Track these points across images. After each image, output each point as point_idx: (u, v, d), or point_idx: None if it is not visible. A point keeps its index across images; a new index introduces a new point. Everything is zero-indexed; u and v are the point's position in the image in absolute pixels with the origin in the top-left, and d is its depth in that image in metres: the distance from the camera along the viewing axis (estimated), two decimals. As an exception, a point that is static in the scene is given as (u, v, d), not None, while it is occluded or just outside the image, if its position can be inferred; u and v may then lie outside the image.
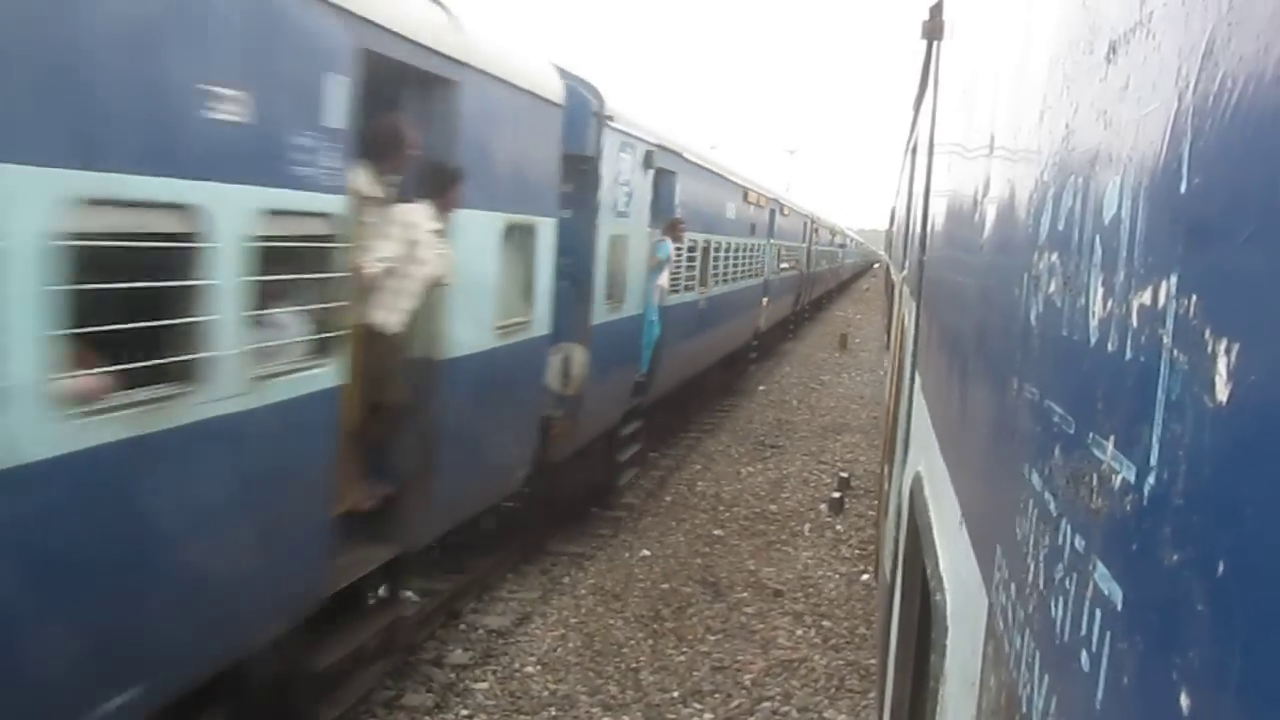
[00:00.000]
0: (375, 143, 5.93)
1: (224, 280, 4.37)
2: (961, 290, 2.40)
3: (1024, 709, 1.01)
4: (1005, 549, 1.25)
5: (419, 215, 6.33)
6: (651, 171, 11.41)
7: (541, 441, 9.09)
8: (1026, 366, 1.26)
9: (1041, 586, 0.99)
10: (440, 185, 6.52)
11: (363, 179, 5.82)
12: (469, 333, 7.09)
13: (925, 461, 2.90)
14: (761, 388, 23.21)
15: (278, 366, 4.94)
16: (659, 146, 11.57)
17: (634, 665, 8.26)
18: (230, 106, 4.33)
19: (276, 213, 4.74)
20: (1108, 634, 0.76)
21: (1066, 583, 0.89)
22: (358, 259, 5.73)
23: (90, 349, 3.80)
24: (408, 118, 6.35)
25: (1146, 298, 0.74)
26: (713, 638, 8.89)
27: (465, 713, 7.34)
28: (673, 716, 7.51)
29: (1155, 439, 0.70)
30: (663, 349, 12.69)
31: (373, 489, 6.48)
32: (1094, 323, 0.90)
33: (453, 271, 6.61)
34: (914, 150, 7.36)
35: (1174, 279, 0.69)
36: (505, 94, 7.42)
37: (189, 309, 4.21)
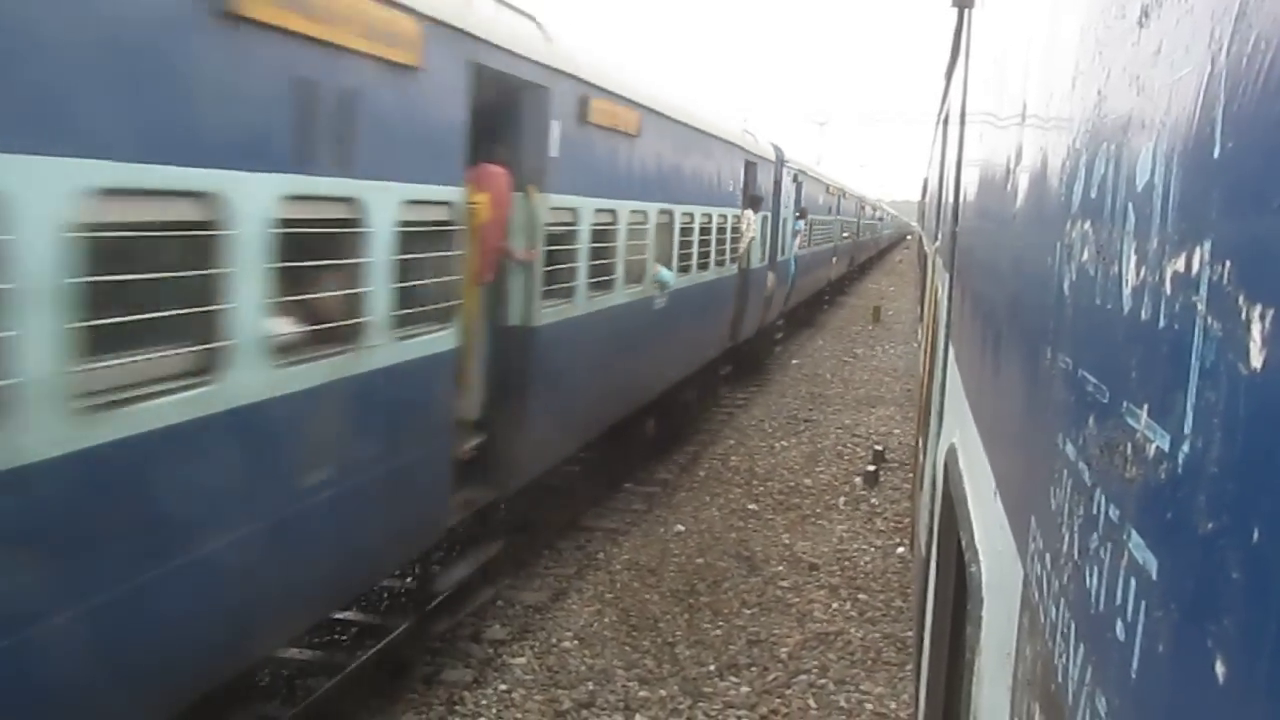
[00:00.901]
0: (743, 189, 15.93)
1: (714, 237, 14.54)
2: (995, 261, 2.38)
3: (1059, 679, 1.01)
4: (1039, 519, 1.25)
5: (750, 214, 16.50)
6: (795, 184, 21.82)
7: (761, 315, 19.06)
8: (1060, 336, 1.25)
9: (1076, 556, 0.99)
10: (756, 203, 16.99)
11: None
12: (755, 259, 17.45)
13: (959, 433, 2.89)
14: (795, 361, 23.14)
15: (724, 265, 15.34)
16: (800, 170, 22.66)
17: (670, 639, 8.32)
18: (728, 184, 15.42)
19: (734, 216, 15.88)
20: (1142, 603, 0.75)
21: (1101, 552, 0.89)
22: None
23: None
24: (749, 178, 16.52)
25: (1180, 265, 0.74)
26: (748, 611, 8.93)
27: (504, 687, 7.42)
28: (709, 690, 7.56)
29: (1189, 407, 0.69)
30: (795, 280, 22.83)
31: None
32: (1127, 291, 0.89)
33: (758, 235, 17.31)
34: (946, 120, 7.29)
35: (1207, 246, 0.69)
36: (764, 164, 17.99)
37: (710, 244, 14.36)
